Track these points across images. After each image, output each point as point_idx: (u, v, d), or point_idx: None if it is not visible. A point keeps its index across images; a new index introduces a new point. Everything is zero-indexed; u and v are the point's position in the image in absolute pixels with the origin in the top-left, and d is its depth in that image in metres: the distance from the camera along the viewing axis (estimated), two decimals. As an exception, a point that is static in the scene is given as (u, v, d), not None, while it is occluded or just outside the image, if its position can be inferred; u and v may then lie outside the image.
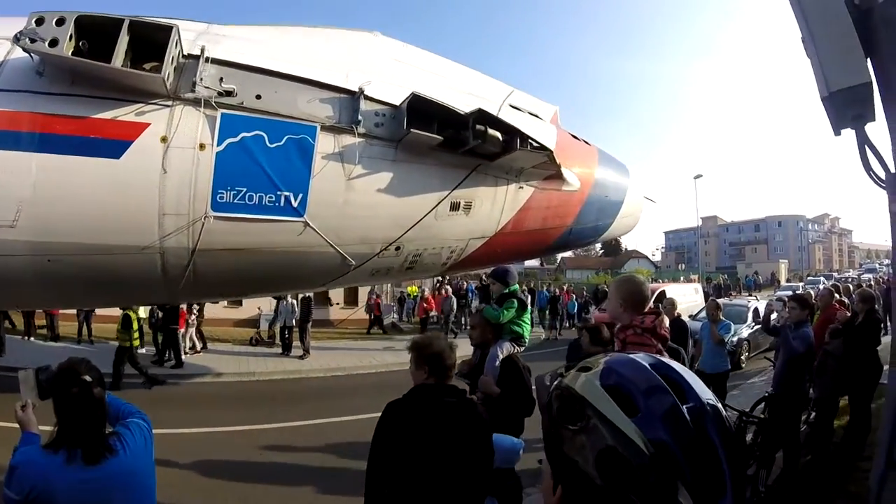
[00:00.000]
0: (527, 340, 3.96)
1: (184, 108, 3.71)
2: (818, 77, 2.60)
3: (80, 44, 3.25)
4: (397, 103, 4.66)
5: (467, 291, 18.96)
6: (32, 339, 11.13)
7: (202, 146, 3.77)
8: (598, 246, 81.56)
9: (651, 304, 2.70)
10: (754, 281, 36.56)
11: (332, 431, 6.31)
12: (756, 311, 11.06)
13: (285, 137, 4.10)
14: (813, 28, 2.64)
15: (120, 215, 3.60)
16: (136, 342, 6.91)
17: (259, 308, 14.61)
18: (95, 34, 3.30)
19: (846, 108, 2.64)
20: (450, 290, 17.33)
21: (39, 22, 3.06)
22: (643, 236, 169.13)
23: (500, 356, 3.66)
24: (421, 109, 4.63)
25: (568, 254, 77.58)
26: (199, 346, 11.47)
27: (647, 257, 68.01)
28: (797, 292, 9.43)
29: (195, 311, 11.48)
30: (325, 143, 4.30)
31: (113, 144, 3.48)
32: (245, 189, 4.00)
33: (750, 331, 10.76)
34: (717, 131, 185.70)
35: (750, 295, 18.34)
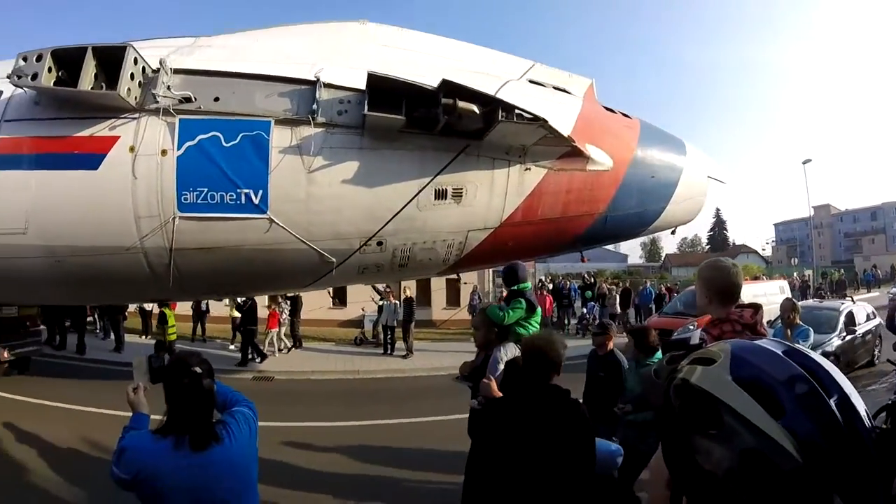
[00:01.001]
0: None
1: (148, 119, 4.24)
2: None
3: (60, 73, 4.03)
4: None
5: (570, 291, 17.80)
6: (149, 337, 12.83)
7: (164, 152, 4.25)
8: (704, 241, 76.84)
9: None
10: (873, 275, 32.54)
11: (436, 429, 6.47)
12: (851, 316, 9.08)
13: (240, 135, 4.37)
14: None
15: (103, 220, 4.28)
16: (173, 336, 8.16)
17: (363, 309, 15.49)
18: (74, 63, 4.05)
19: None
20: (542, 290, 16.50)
21: (25, 59, 3.90)
22: (752, 229, 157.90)
23: (504, 359, 3.54)
24: (384, 89, 4.49)
25: (672, 249, 73.24)
26: (289, 344, 12.82)
27: (756, 252, 63.83)
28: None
29: (286, 311, 12.98)
30: (280, 137, 4.45)
31: (90, 158, 4.17)
32: (206, 189, 4.36)
33: (840, 342, 8.71)
34: (825, 113, 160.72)
35: (846, 297, 14.66)
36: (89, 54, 3.95)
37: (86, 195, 4.19)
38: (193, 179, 4.33)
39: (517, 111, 4.49)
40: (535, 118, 4.54)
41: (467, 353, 12.12)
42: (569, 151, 5.26)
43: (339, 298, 20.23)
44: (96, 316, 13.78)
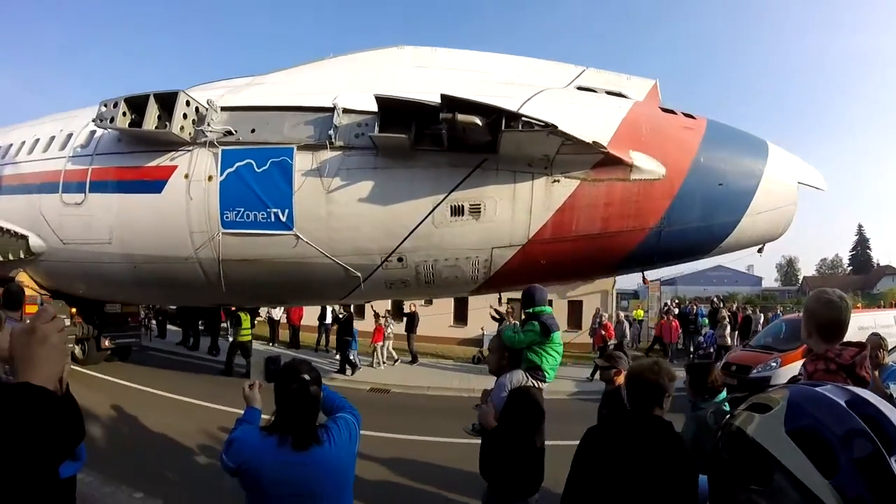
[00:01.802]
0: (549, 375, 3.55)
1: (199, 150, 5.03)
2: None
3: (133, 116, 4.99)
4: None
5: (696, 315, 15.96)
6: (276, 345, 13.95)
7: (210, 178, 5.00)
8: (846, 261, 66.73)
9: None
10: None
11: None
12: None
13: (269, 161, 4.94)
14: None
15: (166, 234, 5.18)
16: (248, 337, 9.17)
17: (482, 328, 15.68)
18: (143, 107, 4.99)
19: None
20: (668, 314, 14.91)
21: (105, 106, 4.92)
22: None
23: (509, 387, 3.45)
24: (394, 110, 4.69)
25: (811, 272, 64.12)
26: (395, 357, 13.65)
27: (903, 274, 51.03)
28: None
29: (391, 326, 13.84)
30: (302, 161, 4.92)
31: (156, 183, 5.09)
32: (243, 209, 5.02)
33: None
34: None
35: None
36: (151, 100, 4.84)
37: (152, 214, 5.13)
38: (233, 201, 5.02)
39: (523, 118, 4.33)
40: (545, 125, 4.33)
41: (583, 378, 11.55)
42: (605, 160, 4.91)
43: (460, 317, 21.15)
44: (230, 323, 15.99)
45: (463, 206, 4.93)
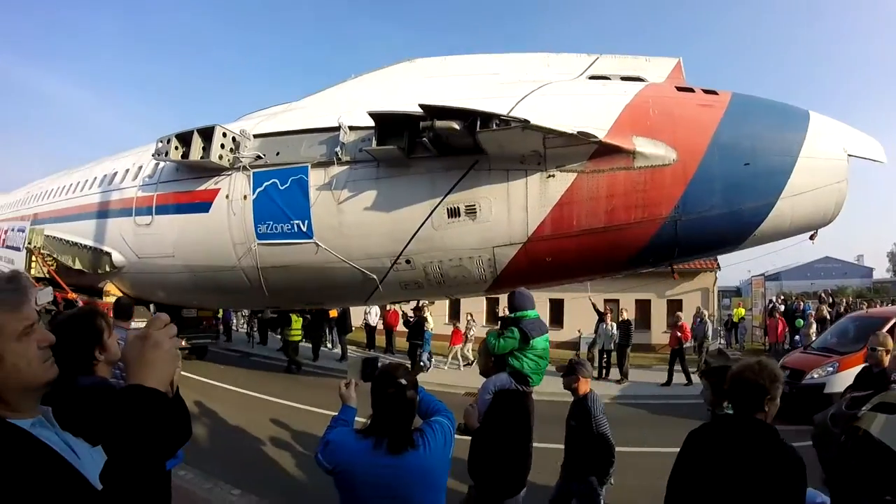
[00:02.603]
0: (533, 380, 3.63)
1: (236, 174, 5.95)
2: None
3: (184, 149, 6.05)
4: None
5: (804, 312, 14.44)
6: (372, 351, 14.89)
7: (245, 197, 5.88)
8: None
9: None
10: None
11: (639, 461, 5.61)
12: None
13: (290, 179, 5.70)
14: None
15: (215, 246, 6.17)
16: (298, 337, 10.10)
17: (579, 331, 15.79)
18: (190, 140, 6.03)
19: None
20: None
21: (160, 142, 6.03)
22: None
23: (492, 389, 3.59)
24: (388, 123, 5.19)
25: None
26: (469, 360, 14.09)
27: None
28: None
29: (473, 329, 14.36)
30: (316, 178, 5.60)
31: (205, 204, 6.09)
32: (272, 222, 5.84)
33: None
34: None
35: None
36: (195, 135, 5.84)
37: (203, 230, 6.16)
38: (264, 215, 5.86)
39: (498, 118, 4.57)
40: (517, 121, 4.52)
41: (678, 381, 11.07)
42: (602, 149, 4.95)
43: (556, 319, 21.43)
44: (327, 329, 15.81)
45: (459, 208, 5.27)
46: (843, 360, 8.41)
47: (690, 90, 5.50)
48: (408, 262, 5.67)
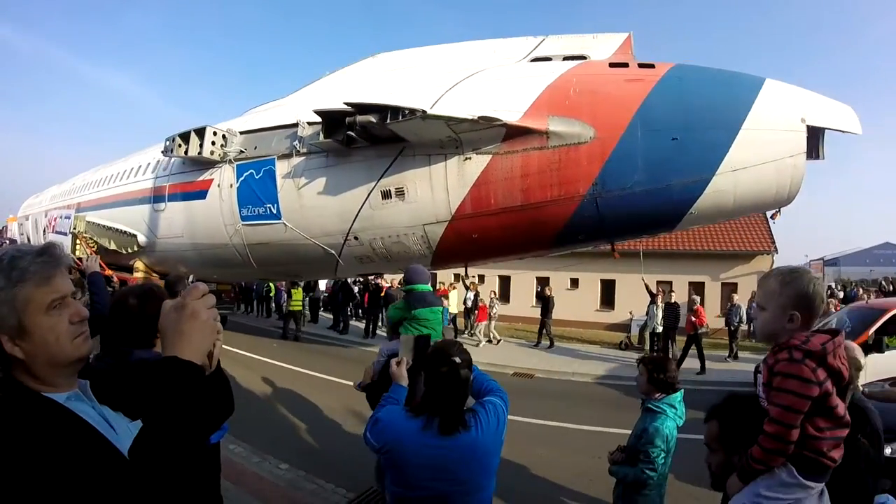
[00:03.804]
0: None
1: (225, 166, 7.34)
2: None
3: (186, 146, 7.53)
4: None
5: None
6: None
7: (231, 185, 7.25)
8: None
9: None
10: None
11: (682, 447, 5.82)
12: None
13: (262, 170, 6.97)
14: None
15: (212, 227, 7.62)
16: (298, 307, 11.40)
17: (631, 312, 16.19)
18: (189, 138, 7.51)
19: None
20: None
21: (167, 140, 7.56)
22: None
23: (386, 354, 4.08)
24: (332, 118, 6.25)
25: None
26: (498, 337, 15.00)
27: None
28: None
29: (496, 307, 15.26)
30: (281, 168, 6.82)
31: (202, 192, 7.55)
32: (251, 206, 7.16)
33: None
34: None
35: None
36: (193, 134, 7.30)
37: (203, 213, 7.64)
38: (245, 200, 7.20)
39: (403, 110, 5.40)
40: (417, 112, 5.28)
41: (720, 363, 11.45)
42: (515, 131, 5.50)
43: (607, 301, 21.96)
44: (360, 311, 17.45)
45: (391, 191, 6.23)
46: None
47: (625, 65, 5.79)
48: (356, 238, 6.72)
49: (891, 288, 15.41)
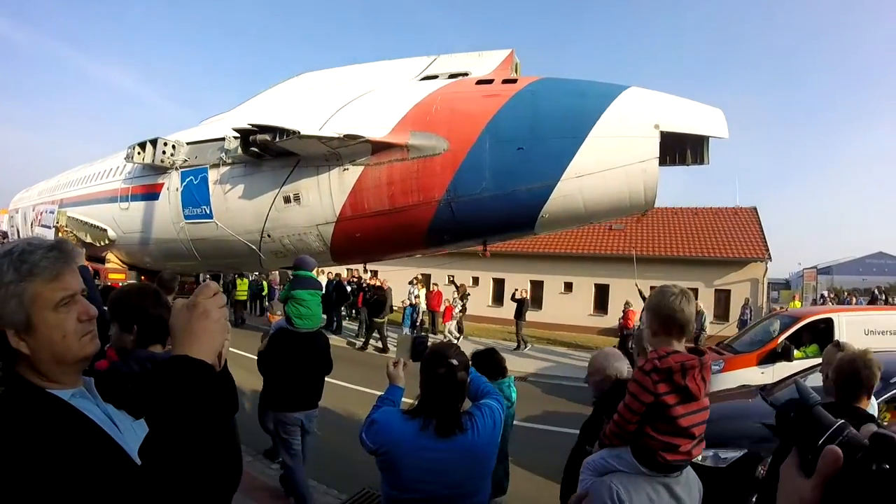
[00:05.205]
0: (296, 322, 4.88)
1: (172, 173, 8.88)
2: None
3: (144, 153, 9.14)
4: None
5: None
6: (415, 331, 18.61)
7: (177, 189, 8.79)
8: None
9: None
10: None
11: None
12: None
13: (199, 176, 8.45)
14: None
15: (163, 224, 9.16)
16: (244, 297, 12.89)
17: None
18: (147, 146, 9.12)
19: None
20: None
21: (131, 148, 9.18)
22: None
23: (275, 328, 5.21)
24: (246, 134, 7.63)
25: None
26: (458, 337, 16.30)
27: None
28: None
29: (458, 306, 16.48)
30: (213, 175, 8.25)
31: (156, 194, 9.12)
32: (191, 207, 8.64)
33: None
34: None
35: None
36: (148, 144, 8.91)
37: (157, 212, 9.22)
38: (187, 202, 8.70)
39: (287, 131, 6.69)
40: (293, 132, 6.53)
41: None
42: (380, 146, 6.64)
43: (601, 305, 22.87)
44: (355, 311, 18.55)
45: (290, 196, 7.54)
46: (730, 360, 8.87)
47: (489, 82, 6.70)
48: (269, 236, 8.07)
49: (884, 297, 15.35)
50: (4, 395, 1.06)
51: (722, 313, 20.59)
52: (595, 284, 23.81)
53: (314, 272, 5.64)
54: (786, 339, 8.80)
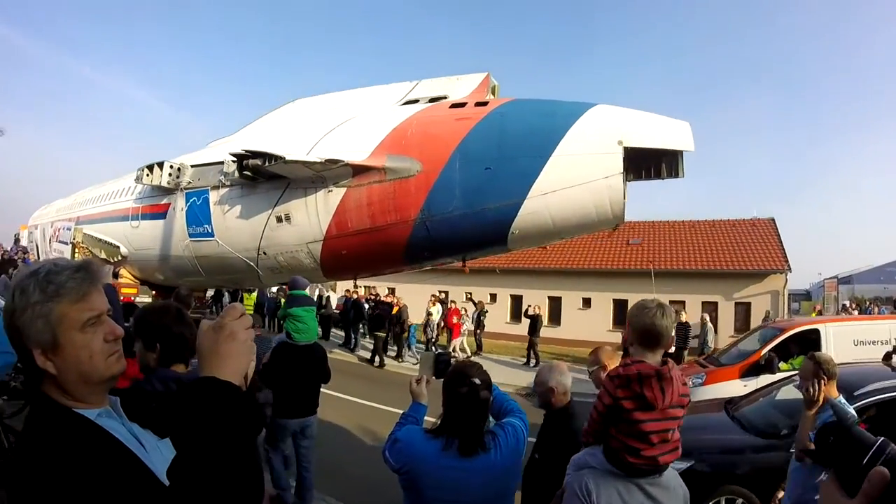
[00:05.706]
0: (294, 336, 5.34)
1: (178, 194, 9.59)
2: None
3: (152, 174, 9.86)
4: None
5: None
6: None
7: (182, 209, 9.49)
8: None
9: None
10: None
11: None
12: None
13: (201, 197, 9.11)
14: None
15: (171, 241, 9.89)
16: (249, 311, 13.46)
17: None
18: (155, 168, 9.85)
19: None
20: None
21: (140, 170, 9.92)
22: None
23: (275, 342, 5.59)
24: (242, 158, 8.25)
25: None
26: (469, 355, 16.70)
27: None
28: None
29: (466, 323, 16.93)
30: (213, 197, 8.90)
31: (164, 213, 9.83)
32: (195, 226, 9.31)
33: None
34: None
35: None
36: (156, 166, 9.64)
37: (165, 230, 9.94)
38: (191, 221, 9.37)
39: (274, 157, 7.26)
40: (279, 157, 7.11)
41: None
42: (359, 169, 7.16)
43: (620, 321, 23.02)
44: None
45: (282, 216, 8.11)
46: (711, 373, 9.07)
47: (463, 105, 7.11)
48: (265, 253, 8.66)
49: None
50: (31, 415, 1.09)
51: (742, 326, 20.39)
52: (613, 300, 23.88)
53: (307, 290, 6.21)
54: (770, 350, 8.93)
